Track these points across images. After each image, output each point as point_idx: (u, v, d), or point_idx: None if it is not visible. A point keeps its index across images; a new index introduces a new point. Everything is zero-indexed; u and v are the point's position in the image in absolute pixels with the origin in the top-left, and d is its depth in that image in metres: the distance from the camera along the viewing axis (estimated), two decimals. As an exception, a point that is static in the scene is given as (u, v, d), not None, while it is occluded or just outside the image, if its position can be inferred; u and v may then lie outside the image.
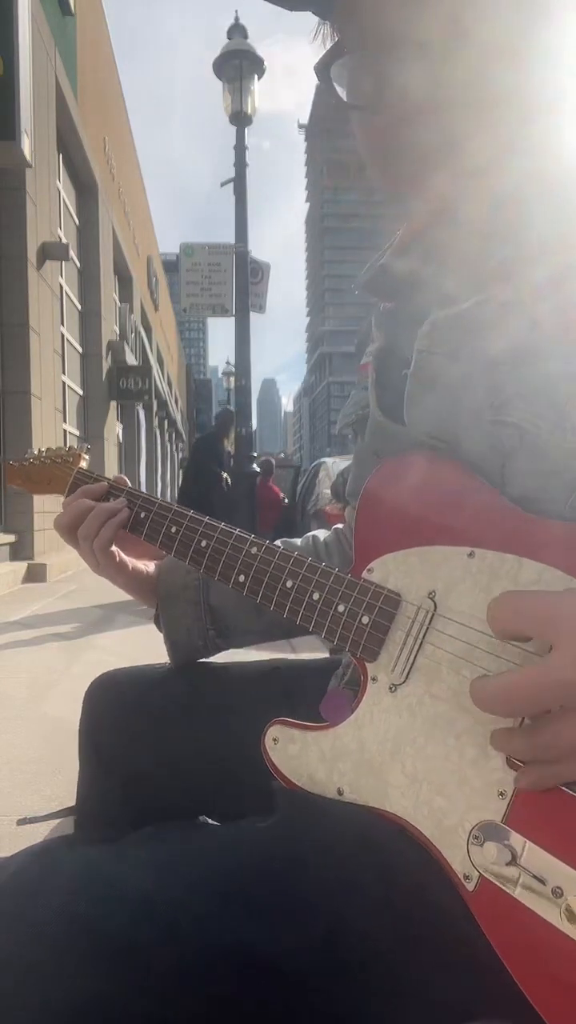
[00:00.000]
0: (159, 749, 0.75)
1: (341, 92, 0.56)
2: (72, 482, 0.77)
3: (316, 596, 0.56)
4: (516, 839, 0.42)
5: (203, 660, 0.81)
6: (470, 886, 0.43)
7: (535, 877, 0.41)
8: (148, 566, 0.81)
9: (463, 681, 0.46)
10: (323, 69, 0.56)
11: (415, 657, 0.50)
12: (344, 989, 0.44)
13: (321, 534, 0.83)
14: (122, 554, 0.78)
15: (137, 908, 0.44)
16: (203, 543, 0.65)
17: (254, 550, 0.61)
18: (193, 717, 0.75)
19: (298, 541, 0.83)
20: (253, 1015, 0.44)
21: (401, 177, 0.58)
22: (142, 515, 0.71)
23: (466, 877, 0.44)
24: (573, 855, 0.40)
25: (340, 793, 0.51)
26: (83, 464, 0.80)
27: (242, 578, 0.61)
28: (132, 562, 0.79)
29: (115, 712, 0.78)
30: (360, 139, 0.59)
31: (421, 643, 0.50)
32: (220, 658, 0.82)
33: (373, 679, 0.52)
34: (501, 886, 0.42)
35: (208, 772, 0.72)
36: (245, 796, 0.59)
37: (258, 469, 6.66)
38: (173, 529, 0.68)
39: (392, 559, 0.53)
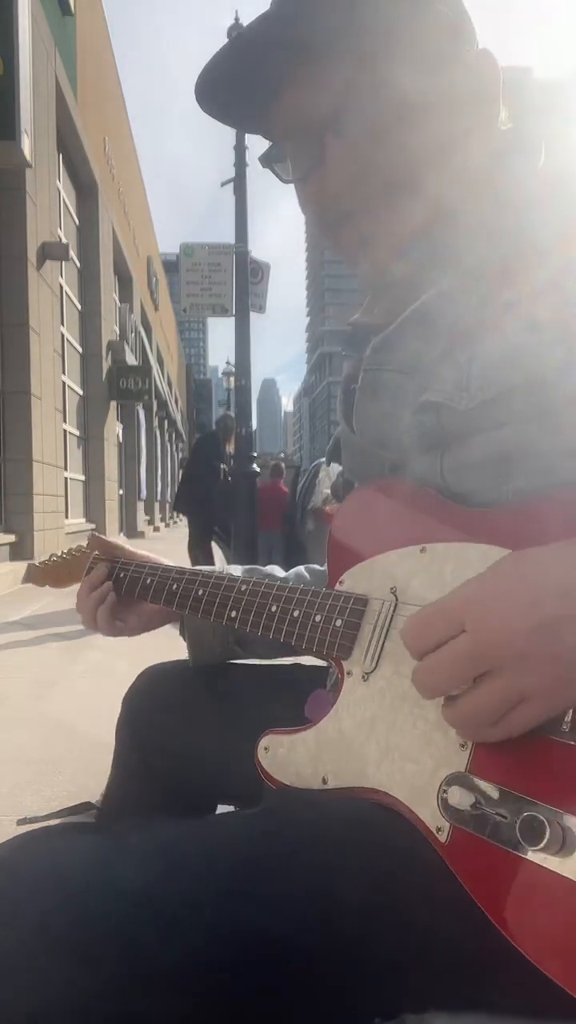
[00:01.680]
0: (191, 738, 0.82)
1: (282, 172, 0.68)
2: (88, 568, 0.87)
3: (296, 613, 0.63)
4: (480, 783, 0.45)
5: (237, 662, 0.88)
6: (443, 837, 0.46)
7: (499, 814, 0.44)
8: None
9: None
10: (264, 161, 0.69)
11: (383, 645, 0.56)
12: (343, 969, 0.45)
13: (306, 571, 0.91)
14: (133, 615, 0.86)
15: (136, 902, 0.44)
16: (199, 592, 0.74)
17: (243, 587, 0.69)
18: (224, 712, 0.81)
19: (319, 566, 0.89)
20: (255, 1001, 0.44)
21: (338, 236, 0.68)
22: (148, 581, 0.80)
23: (438, 829, 0.47)
24: (531, 787, 0.43)
25: (325, 782, 0.55)
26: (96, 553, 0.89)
27: (234, 613, 0.69)
28: (147, 610, 0.87)
29: (156, 703, 0.86)
30: (304, 210, 0.69)
31: (387, 631, 0.56)
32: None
33: (348, 674, 0.57)
34: (471, 831, 0.45)
35: (234, 764, 0.75)
36: (262, 789, 0.61)
37: (258, 469, 6.66)
38: (174, 587, 0.77)
39: (358, 569, 0.60)
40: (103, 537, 0.90)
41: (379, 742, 0.53)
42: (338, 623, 0.59)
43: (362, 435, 0.66)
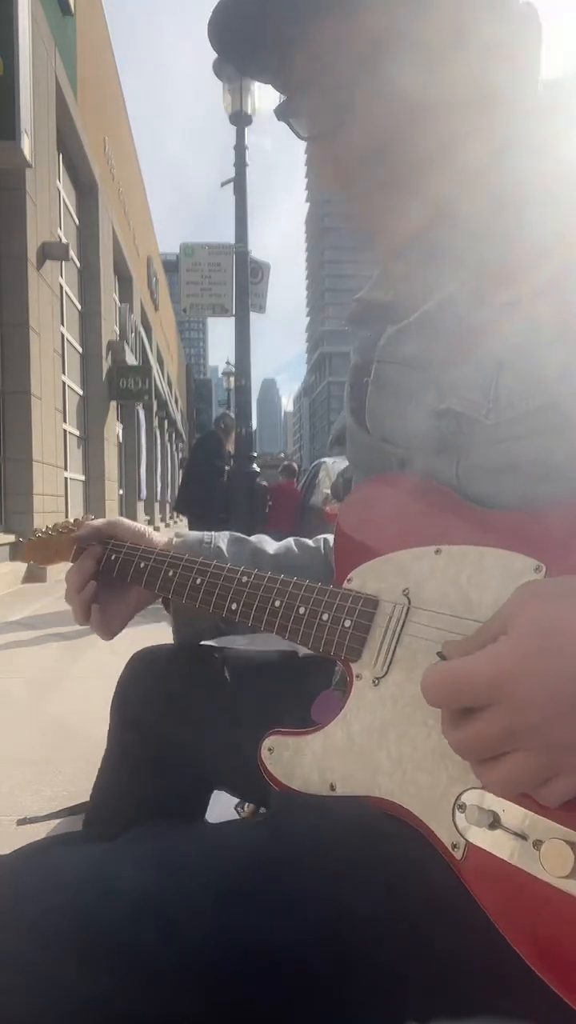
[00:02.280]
0: (184, 722, 0.80)
1: (299, 128, 0.62)
2: (76, 549, 0.82)
3: (302, 610, 0.60)
4: (496, 801, 0.44)
5: (227, 645, 0.87)
6: (458, 854, 0.45)
7: (516, 834, 0.42)
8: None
9: None
10: (280, 114, 0.62)
11: (395, 649, 0.53)
12: (344, 978, 0.45)
13: (332, 537, 0.85)
14: (120, 601, 0.81)
15: (138, 905, 0.44)
16: (198, 580, 0.70)
17: (244, 579, 0.66)
18: (218, 694, 0.80)
19: (310, 541, 0.86)
20: (256, 1008, 0.44)
21: (365, 201, 0.62)
22: (141, 565, 0.75)
23: (454, 846, 0.45)
24: (551, 809, 0.42)
25: (332, 788, 0.53)
26: (81, 530, 0.83)
27: (234, 606, 0.66)
28: (131, 589, 0.82)
29: (150, 683, 0.83)
30: (320, 169, 0.63)
31: (399, 636, 0.53)
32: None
33: (358, 677, 0.55)
34: (487, 849, 0.44)
35: (228, 747, 0.76)
36: (258, 774, 0.60)
37: (258, 469, 6.66)
38: (170, 573, 0.73)
39: (368, 567, 0.58)
40: (94, 523, 0.84)
41: (390, 751, 0.51)
42: (347, 624, 0.56)
43: (372, 431, 0.64)
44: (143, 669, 0.85)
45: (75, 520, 0.87)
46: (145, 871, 0.47)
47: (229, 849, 0.50)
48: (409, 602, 0.54)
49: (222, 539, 0.81)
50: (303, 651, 0.84)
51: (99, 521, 0.83)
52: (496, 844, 0.43)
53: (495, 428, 0.52)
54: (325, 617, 0.58)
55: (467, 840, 0.45)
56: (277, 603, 0.62)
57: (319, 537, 0.87)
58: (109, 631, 0.79)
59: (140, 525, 0.82)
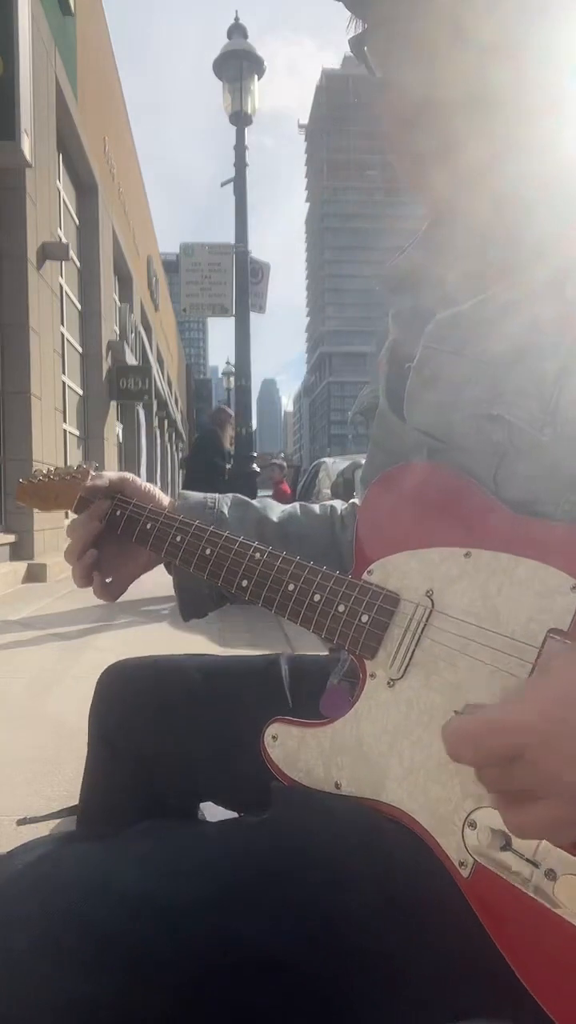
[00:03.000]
0: (166, 736, 0.76)
1: (374, 67, 0.58)
2: (80, 498, 0.76)
3: (317, 598, 0.57)
4: None
5: (208, 654, 0.84)
6: (465, 873, 0.44)
7: (528, 860, 0.41)
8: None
9: (459, 673, 0.48)
10: (357, 44, 0.58)
11: (413, 653, 0.51)
12: (343, 981, 0.44)
13: (339, 505, 0.82)
14: (123, 561, 0.77)
15: (137, 907, 0.44)
16: (207, 551, 0.66)
17: (257, 556, 0.63)
18: (198, 706, 0.76)
19: (316, 508, 0.82)
20: (253, 1009, 0.44)
21: (424, 156, 0.58)
22: (148, 526, 0.71)
23: (461, 864, 0.44)
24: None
25: (338, 787, 0.52)
26: (91, 481, 0.78)
27: (245, 583, 0.63)
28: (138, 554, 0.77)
29: (125, 699, 0.79)
30: (388, 117, 0.60)
31: (419, 639, 0.51)
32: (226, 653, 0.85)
33: (372, 675, 0.53)
34: (496, 871, 0.42)
35: (212, 759, 0.74)
36: (247, 784, 0.60)
37: (258, 469, 6.66)
38: (178, 538, 0.68)
39: (391, 561, 0.55)
40: (105, 477, 0.77)
41: (402, 757, 0.49)
42: (364, 619, 0.54)
43: (409, 419, 0.60)
44: (115, 686, 0.81)
45: (79, 467, 0.80)
46: (144, 872, 0.47)
47: (228, 850, 0.49)
48: (432, 605, 0.51)
49: (225, 503, 0.77)
50: (289, 655, 0.82)
51: (111, 474, 0.77)
52: (506, 868, 0.42)
53: (550, 444, 0.49)
54: (341, 608, 0.56)
55: (475, 859, 0.44)
56: (291, 587, 0.59)
57: (325, 504, 0.83)
58: (111, 595, 0.75)
59: (150, 485, 0.78)
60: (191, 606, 0.80)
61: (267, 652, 0.87)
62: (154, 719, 0.77)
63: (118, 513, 0.73)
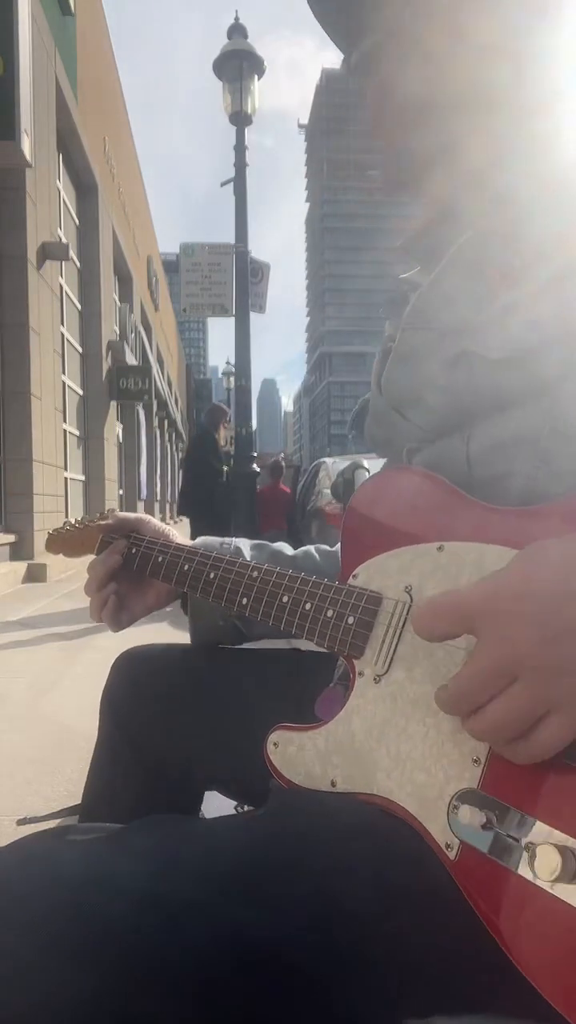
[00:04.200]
0: (175, 723, 0.79)
1: (375, 73, 0.62)
2: (101, 540, 0.84)
3: (308, 606, 0.61)
4: (492, 802, 0.44)
5: (223, 646, 0.85)
6: (452, 854, 0.45)
7: (510, 836, 0.42)
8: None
9: (437, 662, 0.51)
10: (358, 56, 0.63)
11: (396, 647, 0.54)
12: (342, 972, 0.45)
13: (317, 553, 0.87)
14: (139, 597, 0.83)
15: (136, 902, 0.44)
16: (211, 575, 0.71)
17: (255, 574, 0.67)
18: (208, 694, 0.79)
19: (330, 548, 0.85)
20: (254, 1003, 0.44)
21: (424, 156, 0.62)
22: (159, 559, 0.77)
23: (447, 846, 0.46)
24: (543, 810, 0.42)
25: (333, 784, 0.54)
26: (109, 522, 0.85)
27: (244, 600, 0.67)
28: (154, 588, 0.83)
29: (137, 685, 0.83)
30: (388, 118, 0.63)
31: (400, 633, 0.54)
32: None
33: (360, 674, 0.56)
34: (480, 849, 0.44)
35: (219, 748, 0.76)
36: (253, 773, 0.61)
37: (257, 469, 6.65)
38: (186, 567, 0.74)
39: (373, 563, 0.58)
40: (123, 515, 0.85)
41: (389, 749, 0.52)
42: (350, 620, 0.57)
43: (388, 399, 0.65)
44: (129, 671, 0.84)
45: (99, 514, 0.89)
46: (144, 867, 0.47)
47: (227, 847, 0.50)
48: (411, 599, 0.54)
49: (244, 545, 0.82)
50: (304, 646, 0.84)
51: (128, 515, 0.85)
52: (488, 845, 0.43)
53: (504, 373, 0.53)
54: (330, 613, 0.59)
55: (461, 840, 0.45)
56: (285, 599, 0.63)
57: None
58: (118, 624, 0.81)
59: (165, 526, 0.84)
60: (204, 633, 0.84)
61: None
62: (164, 705, 0.80)
63: (133, 551, 0.80)
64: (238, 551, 0.80)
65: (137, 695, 0.82)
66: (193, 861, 0.47)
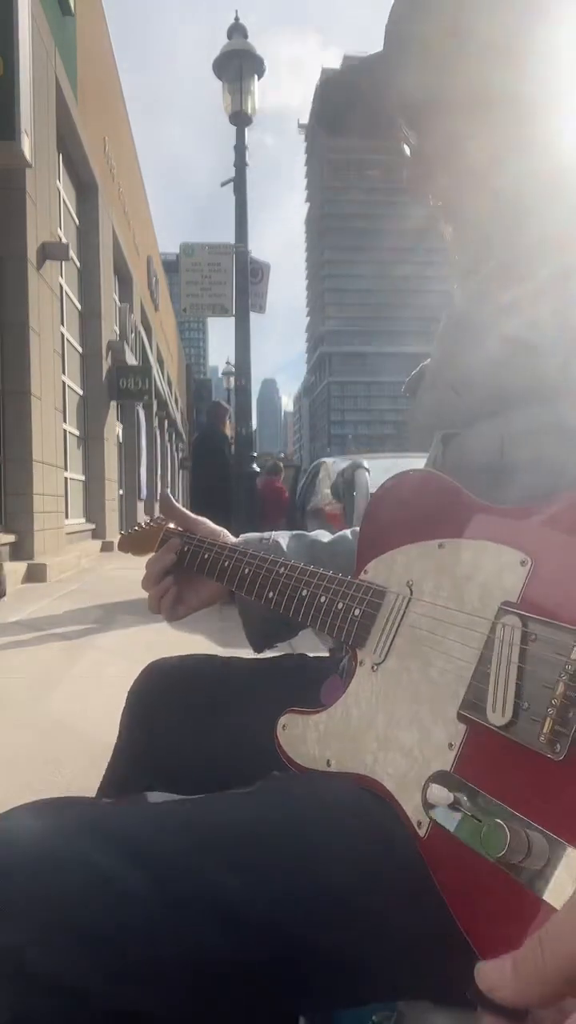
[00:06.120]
0: (196, 733, 0.82)
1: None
2: (161, 539, 0.91)
3: (323, 599, 0.66)
4: (461, 784, 0.47)
5: (230, 656, 0.91)
6: (422, 832, 0.48)
7: (473, 816, 0.44)
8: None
9: (427, 652, 0.54)
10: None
11: (394, 637, 0.58)
12: (326, 939, 0.47)
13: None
14: (192, 591, 0.89)
15: (129, 854, 0.46)
16: (246, 570, 0.77)
17: (281, 570, 0.72)
18: (223, 704, 0.83)
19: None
20: (241, 964, 0.46)
21: (425, 157, 0.66)
22: (205, 556, 0.83)
23: (419, 824, 0.48)
24: (506, 793, 0.44)
25: (328, 764, 0.58)
26: (171, 524, 0.94)
27: (271, 595, 0.72)
28: (206, 585, 0.88)
29: (160, 696, 0.87)
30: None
31: (399, 625, 0.58)
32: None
33: (360, 663, 0.60)
34: (447, 828, 0.46)
35: (233, 755, 0.78)
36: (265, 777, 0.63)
37: (258, 469, 6.65)
38: (226, 564, 0.80)
39: (382, 560, 0.62)
40: (174, 503, 0.92)
41: (378, 732, 0.55)
42: (356, 612, 0.62)
43: (450, 373, 0.68)
44: (156, 681, 0.88)
45: (160, 507, 0.98)
46: (134, 825, 0.50)
47: (218, 816, 0.52)
48: (411, 593, 0.58)
49: (283, 538, 0.86)
50: (306, 656, 0.89)
51: (188, 514, 0.92)
52: (456, 825, 0.45)
53: (548, 366, 0.56)
54: (340, 606, 0.64)
55: (431, 818, 0.47)
56: (304, 592, 0.68)
57: None
58: (174, 615, 0.88)
59: (219, 528, 0.90)
60: (258, 635, 0.88)
61: (281, 653, 0.92)
62: (188, 714, 0.83)
63: (185, 548, 0.86)
64: (277, 545, 0.84)
65: (160, 705, 0.85)
66: (181, 826, 0.50)
